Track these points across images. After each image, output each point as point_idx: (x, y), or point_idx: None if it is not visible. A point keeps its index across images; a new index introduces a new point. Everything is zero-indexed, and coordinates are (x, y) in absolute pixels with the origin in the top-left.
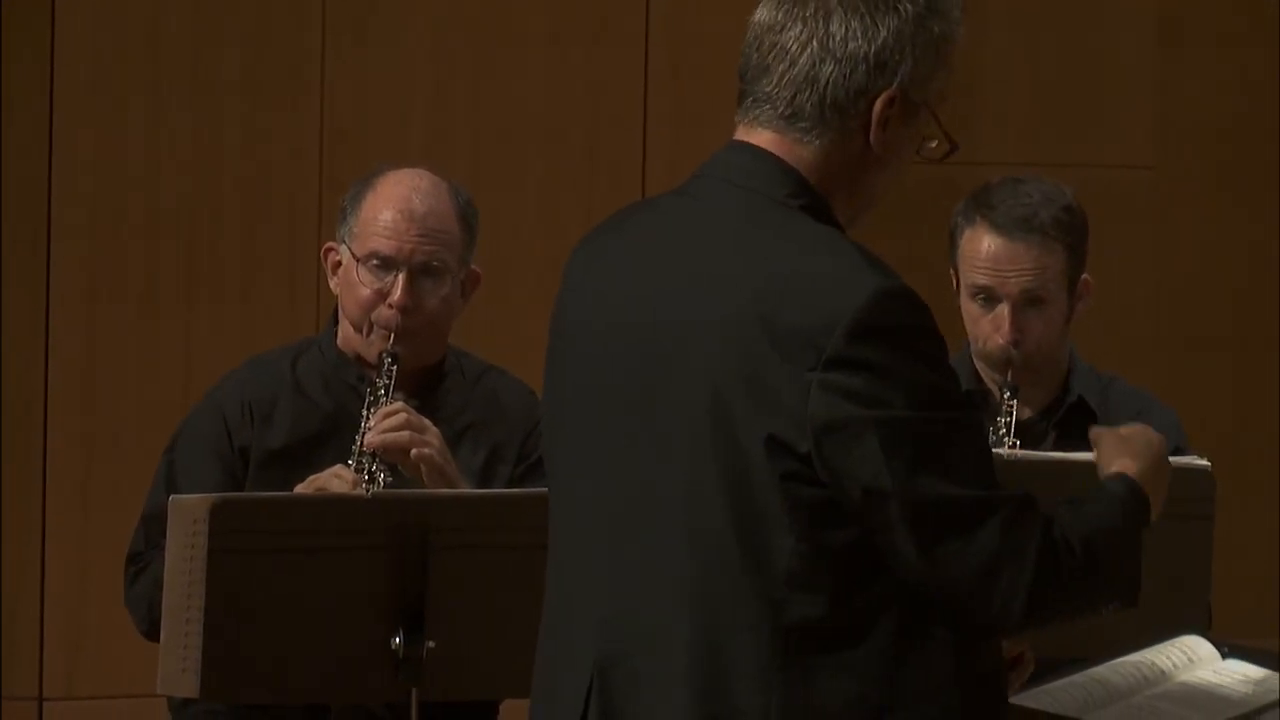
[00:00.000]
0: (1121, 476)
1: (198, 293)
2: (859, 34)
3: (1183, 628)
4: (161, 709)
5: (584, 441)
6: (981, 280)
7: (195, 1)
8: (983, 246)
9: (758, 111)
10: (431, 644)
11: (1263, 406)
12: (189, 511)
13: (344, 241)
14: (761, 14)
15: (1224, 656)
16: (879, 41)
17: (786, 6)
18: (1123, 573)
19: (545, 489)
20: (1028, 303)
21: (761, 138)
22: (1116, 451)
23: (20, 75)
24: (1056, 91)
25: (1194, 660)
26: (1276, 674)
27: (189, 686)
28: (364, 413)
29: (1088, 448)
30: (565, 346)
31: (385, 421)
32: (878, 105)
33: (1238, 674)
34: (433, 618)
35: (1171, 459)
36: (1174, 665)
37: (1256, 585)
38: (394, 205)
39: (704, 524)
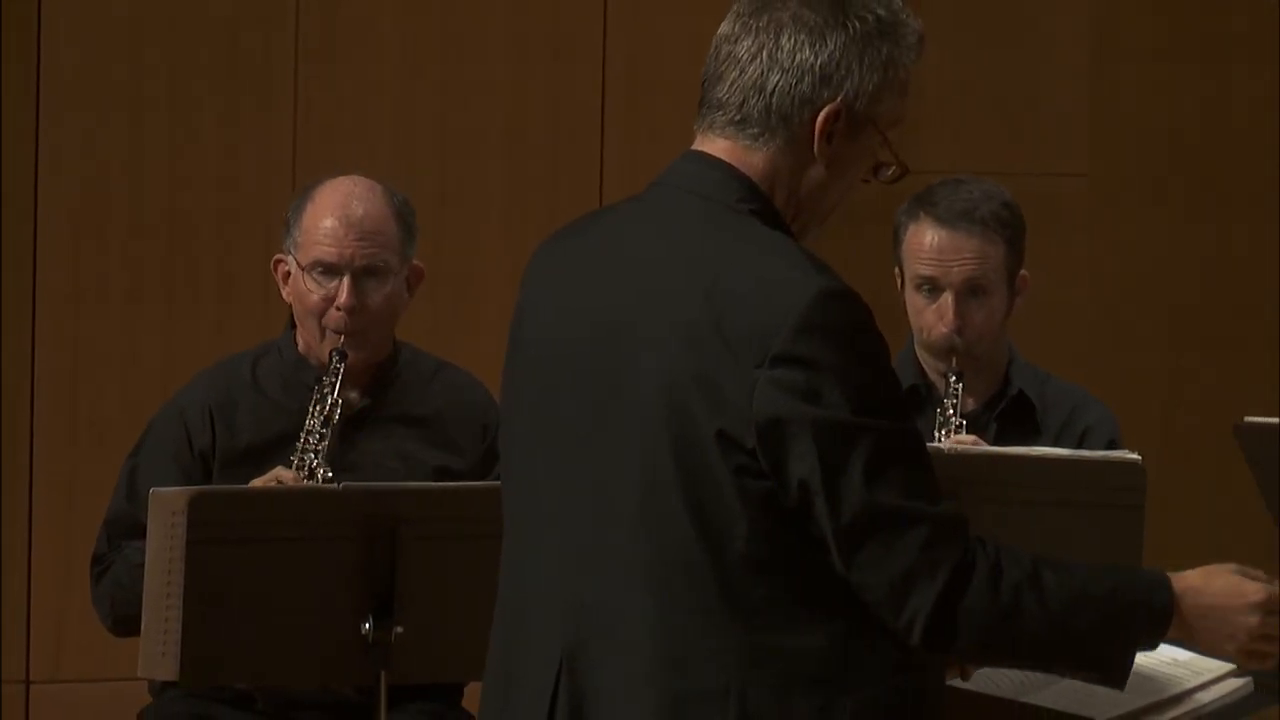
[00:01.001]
0: (1163, 575)
1: (177, 294)
2: (806, 46)
3: None
4: (142, 691)
5: (544, 438)
6: (926, 271)
7: (173, 22)
8: (926, 239)
9: (712, 118)
10: (400, 629)
11: (1192, 404)
12: (168, 503)
13: (290, 252)
14: (723, 26)
15: None
16: (825, 55)
17: (743, 19)
18: (1083, 643)
19: None
20: (970, 292)
21: (715, 146)
22: (1200, 573)
23: (9, 93)
24: (995, 102)
25: None
26: (1205, 657)
27: (168, 670)
28: (310, 409)
29: (1028, 438)
30: (525, 346)
31: None
32: (821, 117)
33: (1167, 657)
34: (401, 605)
35: (1104, 452)
36: None
37: None
38: (332, 213)
39: (662, 514)
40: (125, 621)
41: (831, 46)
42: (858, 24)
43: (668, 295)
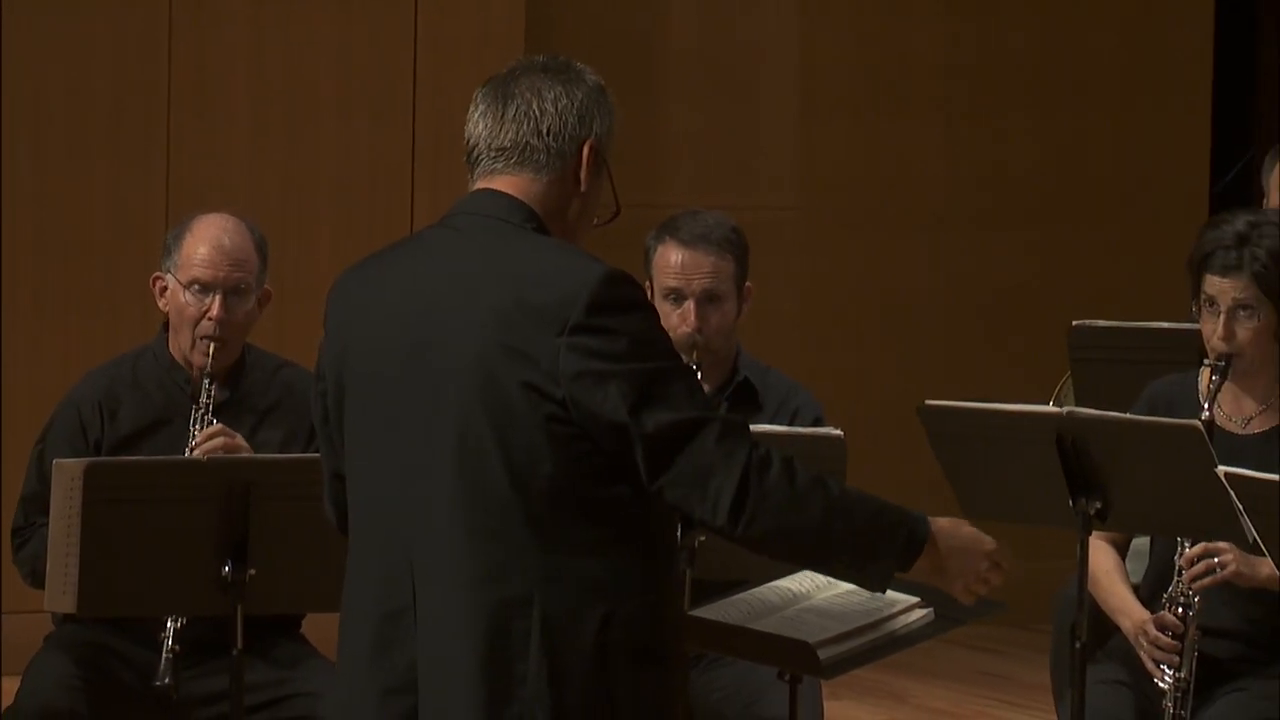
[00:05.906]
0: (924, 515)
1: (73, 306)
2: (564, 95)
3: None
4: (47, 622)
5: (376, 412)
6: (672, 283)
7: (69, 81)
8: (672, 258)
9: (493, 165)
10: (252, 572)
11: (874, 390)
12: (68, 472)
13: (169, 271)
14: (477, 123)
15: None
16: (578, 100)
17: (494, 103)
18: (855, 543)
19: None
20: (707, 299)
21: (498, 183)
22: (950, 521)
23: None
24: (723, 150)
25: (833, 582)
26: (896, 592)
27: (68, 604)
28: (189, 429)
29: (751, 415)
30: (353, 343)
31: (207, 443)
32: (586, 150)
33: (866, 593)
34: (253, 552)
35: (811, 429)
36: (817, 586)
37: None
38: (208, 242)
39: (476, 460)
40: (39, 582)
41: (580, 95)
42: (587, 84)
43: (473, 287)
